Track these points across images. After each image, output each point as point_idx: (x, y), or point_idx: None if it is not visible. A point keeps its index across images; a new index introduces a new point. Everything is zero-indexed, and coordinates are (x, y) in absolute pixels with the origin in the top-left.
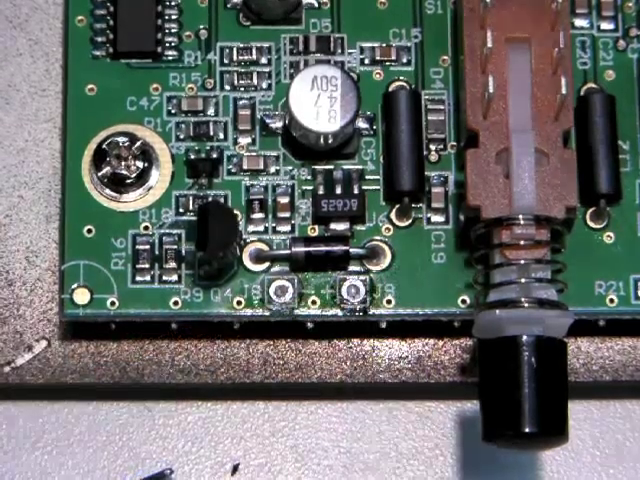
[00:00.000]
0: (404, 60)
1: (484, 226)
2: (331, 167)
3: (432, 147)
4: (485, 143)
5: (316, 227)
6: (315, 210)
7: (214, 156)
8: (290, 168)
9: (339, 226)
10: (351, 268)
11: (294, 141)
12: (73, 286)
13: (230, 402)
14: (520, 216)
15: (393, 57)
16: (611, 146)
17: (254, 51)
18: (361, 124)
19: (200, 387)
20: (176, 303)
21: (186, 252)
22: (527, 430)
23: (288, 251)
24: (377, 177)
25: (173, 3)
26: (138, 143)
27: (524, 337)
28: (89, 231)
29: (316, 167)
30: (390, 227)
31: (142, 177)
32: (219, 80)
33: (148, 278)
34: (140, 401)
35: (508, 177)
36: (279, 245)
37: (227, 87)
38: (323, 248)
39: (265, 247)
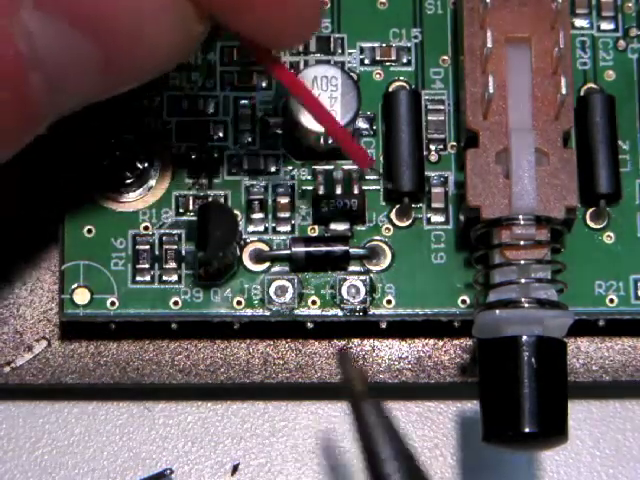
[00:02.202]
0: (404, 60)
1: (484, 226)
2: (331, 167)
3: (432, 147)
4: (485, 143)
5: (316, 227)
6: (315, 210)
7: (214, 156)
8: (290, 168)
9: (339, 226)
10: (351, 268)
11: (294, 141)
12: (73, 286)
13: (230, 402)
14: (520, 216)
15: (393, 57)
16: (611, 146)
17: None
18: (361, 124)
19: (200, 387)
20: (176, 303)
21: (186, 252)
22: (527, 430)
23: (288, 251)
24: (377, 177)
25: None
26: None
27: (524, 337)
28: (89, 231)
29: (316, 167)
30: (390, 227)
31: (142, 177)
32: (219, 80)
33: (148, 278)
34: (140, 401)
35: (508, 177)
36: (279, 245)
37: (227, 87)
38: (323, 248)
39: (265, 247)
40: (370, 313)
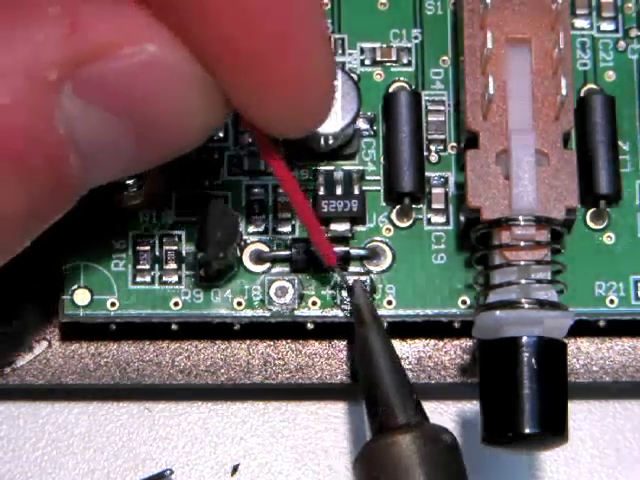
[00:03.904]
0: (404, 61)
1: (484, 227)
2: (332, 168)
3: (432, 148)
4: (485, 144)
5: None
6: (316, 211)
7: (215, 157)
8: (290, 168)
9: (340, 227)
10: (351, 269)
11: (294, 141)
12: (73, 287)
13: (230, 402)
14: (520, 217)
15: (393, 58)
16: (611, 147)
17: None
18: (361, 125)
19: (200, 388)
20: (176, 304)
21: (186, 253)
22: (527, 431)
23: (288, 252)
24: (377, 178)
25: None
26: None
27: (524, 338)
28: (89, 232)
29: (317, 168)
30: (390, 228)
31: (142, 177)
32: None
33: (148, 279)
34: (140, 401)
35: (508, 178)
36: (279, 246)
37: None
38: None
39: (265, 248)
40: None
